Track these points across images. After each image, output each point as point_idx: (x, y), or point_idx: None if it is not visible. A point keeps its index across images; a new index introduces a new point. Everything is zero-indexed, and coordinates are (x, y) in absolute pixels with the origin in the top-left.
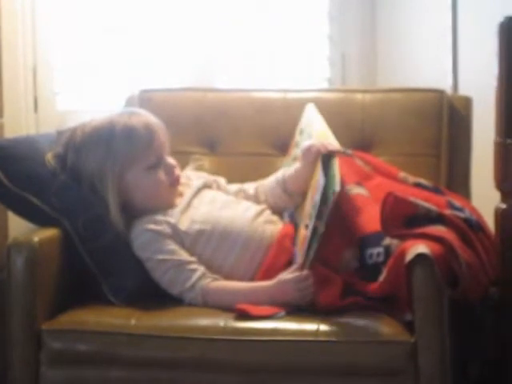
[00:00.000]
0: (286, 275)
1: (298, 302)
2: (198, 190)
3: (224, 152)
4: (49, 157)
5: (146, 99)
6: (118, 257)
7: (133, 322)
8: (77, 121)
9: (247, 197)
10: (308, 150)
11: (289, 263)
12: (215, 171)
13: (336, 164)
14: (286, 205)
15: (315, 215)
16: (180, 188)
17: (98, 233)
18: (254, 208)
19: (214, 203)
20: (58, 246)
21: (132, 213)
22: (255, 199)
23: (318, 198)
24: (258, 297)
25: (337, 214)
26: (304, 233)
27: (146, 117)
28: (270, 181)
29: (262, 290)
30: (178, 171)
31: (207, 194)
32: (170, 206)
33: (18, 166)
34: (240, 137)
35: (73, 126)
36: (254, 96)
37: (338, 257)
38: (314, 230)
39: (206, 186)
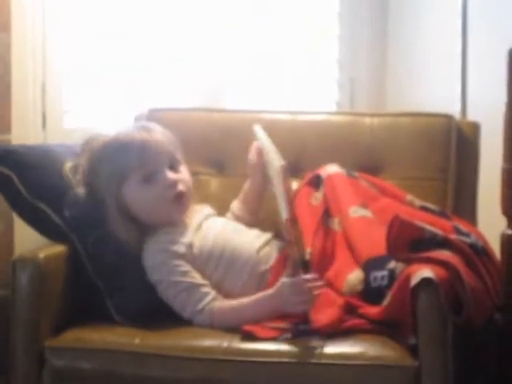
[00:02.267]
0: (284, 280)
1: (299, 308)
2: (207, 216)
3: (231, 173)
4: (67, 168)
5: (154, 118)
6: (124, 276)
7: (137, 340)
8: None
9: None
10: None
11: None
12: (223, 192)
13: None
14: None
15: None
16: (189, 206)
17: (107, 251)
18: (263, 236)
19: (225, 227)
20: (64, 262)
21: (143, 225)
22: None
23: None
24: (263, 308)
25: (342, 234)
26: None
27: (152, 131)
28: (229, 216)
29: (263, 300)
30: (181, 186)
31: (217, 219)
32: (177, 222)
33: (33, 174)
34: (248, 158)
35: (88, 137)
36: (262, 117)
37: (343, 279)
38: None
39: (213, 214)
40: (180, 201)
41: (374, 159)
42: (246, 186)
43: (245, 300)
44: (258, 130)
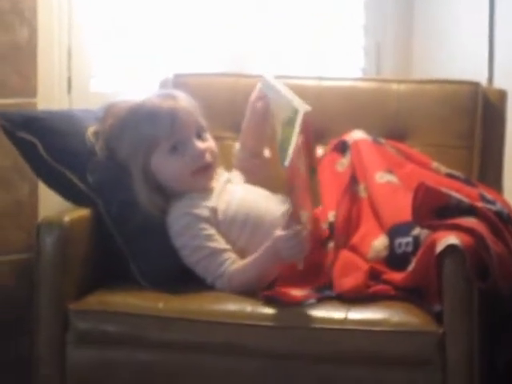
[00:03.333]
0: (278, 232)
1: (293, 259)
2: (230, 181)
3: None
4: (90, 133)
5: (179, 83)
6: (149, 239)
7: (160, 305)
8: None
9: None
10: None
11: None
12: None
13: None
14: (266, 169)
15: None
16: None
17: (132, 215)
18: (284, 201)
19: (249, 192)
20: (88, 225)
21: (169, 193)
22: None
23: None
24: (266, 261)
25: (368, 201)
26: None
27: (178, 99)
28: (234, 162)
29: (264, 253)
30: (208, 156)
31: (241, 185)
32: (204, 189)
33: (57, 140)
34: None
35: (111, 103)
36: (287, 83)
37: (368, 245)
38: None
39: (236, 179)
40: (207, 170)
41: (400, 126)
42: (244, 125)
43: (252, 257)
44: (268, 76)
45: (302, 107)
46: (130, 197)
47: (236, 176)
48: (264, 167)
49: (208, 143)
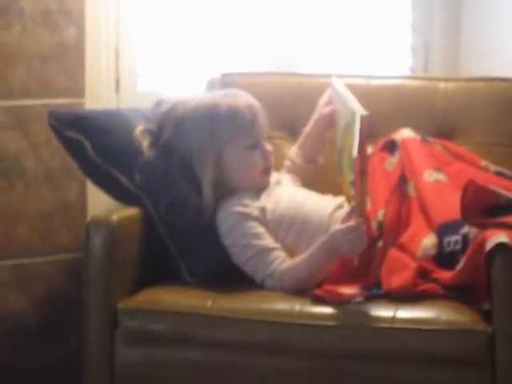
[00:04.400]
0: (337, 226)
1: (352, 253)
2: (279, 182)
3: None
4: (138, 132)
5: (227, 82)
6: (198, 239)
7: (209, 303)
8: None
9: None
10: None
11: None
12: None
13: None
14: (318, 175)
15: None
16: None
17: (181, 215)
18: (334, 201)
19: (297, 193)
20: (137, 225)
21: (221, 193)
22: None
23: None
24: (321, 256)
25: (417, 199)
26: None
27: (250, 99)
28: (288, 164)
29: (319, 248)
30: (272, 160)
31: (289, 186)
32: (263, 188)
33: (105, 139)
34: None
35: (171, 102)
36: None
37: (417, 243)
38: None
39: (285, 180)
40: (268, 172)
41: (448, 124)
42: (307, 129)
43: (304, 255)
44: (336, 81)
45: (360, 111)
46: (179, 197)
47: (286, 178)
48: (316, 173)
49: (270, 147)
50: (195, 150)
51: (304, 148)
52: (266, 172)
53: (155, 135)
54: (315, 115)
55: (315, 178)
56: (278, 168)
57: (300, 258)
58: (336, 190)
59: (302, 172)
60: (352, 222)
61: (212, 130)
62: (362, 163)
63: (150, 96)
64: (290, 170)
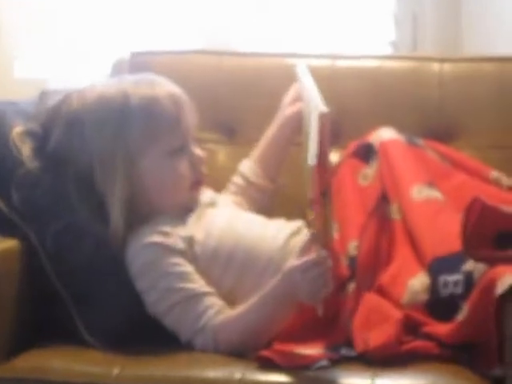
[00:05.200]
0: (293, 261)
1: (313, 298)
2: (212, 202)
3: (246, 140)
4: (15, 135)
5: (139, 65)
6: (98, 282)
7: (115, 371)
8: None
9: None
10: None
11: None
12: (233, 165)
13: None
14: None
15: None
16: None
17: (76, 248)
18: (288, 226)
19: (235, 218)
20: (16, 263)
21: (133, 217)
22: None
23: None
24: (272, 304)
25: (402, 225)
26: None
27: (172, 87)
28: (239, 183)
29: (270, 295)
30: (205, 168)
31: (224, 207)
32: (185, 213)
33: None
34: (268, 120)
35: (62, 93)
36: (289, 63)
37: (402, 286)
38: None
39: (216, 200)
40: (198, 187)
41: (445, 121)
42: (268, 135)
43: (248, 304)
44: (301, 69)
45: (319, 107)
46: (74, 223)
47: (224, 199)
48: (273, 197)
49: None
50: (97, 159)
51: (263, 162)
52: (196, 186)
53: (40, 139)
54: (279, 117)
55: (271, 203)
56: (215, 186)
57: (243, 307)
58: (291, 212)
59: (259, 195)
60: (313, 255)
61: (120, 130)
62: (323, 175)
63: (31, 84)
64: (240, 193)
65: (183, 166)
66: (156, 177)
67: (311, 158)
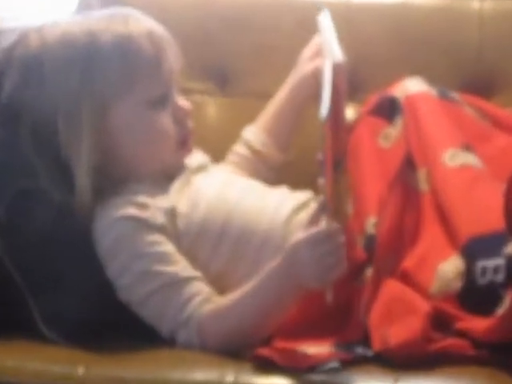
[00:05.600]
0: (296, 236)
1: (322, 281)
2: (199, 167)
3: (241, 90)
4: None
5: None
6: (61, 261)
7: (80, 371)
8: None
9: None
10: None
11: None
12: (225, 120)
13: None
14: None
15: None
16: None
17: (31, 218)
18: (294, 197)
19: (228, 185)
20: None
21: (103, 184)
22: None
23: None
24: (272, 292)
25: (431, 198)
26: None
27: (151, 24)
28: (241, 153)
29: (269, 278)
30: (191, 122)
31: (215, 172)
32: (166, 179)
33: None
34: (269, 66)
35: (17, 32)
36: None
37: (431, 271)
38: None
39: (206, 163)
40: (186, 145)
41: (485, 70)
42: (279, 101)
43: (244, 287)
44: (324, 15)
45: (335, 56)
46: (30, 188)
47: (218, 166)
48: (280, 171)
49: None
50: (59, 110)
51: (274, 128)
52: (183, 146)
53: None
54: (294, 75)
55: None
56: (203, 147)
57: (235, 294)
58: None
59: (264, 168)
60: (322, 227)
61: (86, 75)
62: (337, 137)
63: None
64: (243, 164)
65: (165, 120)
66: (131, 133)
67: (323, 111)
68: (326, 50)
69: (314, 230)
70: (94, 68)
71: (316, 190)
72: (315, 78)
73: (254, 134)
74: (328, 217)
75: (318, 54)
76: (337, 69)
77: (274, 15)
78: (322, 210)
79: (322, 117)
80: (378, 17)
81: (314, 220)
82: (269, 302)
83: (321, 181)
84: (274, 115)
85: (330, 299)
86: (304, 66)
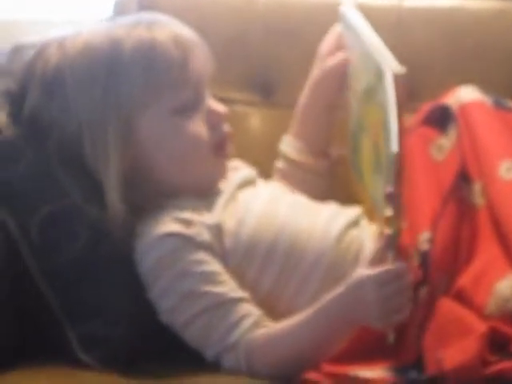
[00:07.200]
0: (362, 271)
1: (387, 322)
2: (245, 181)
3: (286, 102)
4: None
5: (150, 3)
6: (98, 284)
7: None
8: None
9: None
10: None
11: None
12: (270, 132)
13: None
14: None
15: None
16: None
17: (66, 240)
18: (344, 214)
19: (277, 201)
20: None
21: (137, 198)
22: None
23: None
24: (327, 325)
25: (488, 212)
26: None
27: (179, 29)
28: (277, 166)
29: (328, 310)
30: (228, 126)
31: (262, 186)
32: (210, 186)
33: None
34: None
35: (39, 44)
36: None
37: (487, 290)
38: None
39: (253, 178)
40: (224, 148)
41: None
42: (303, 103)
43: (298, 316)
44: (348, 9)
45: (391, 65)
46: (65, 207)
47: (266, 181)
48: (330, 173)
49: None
50: (84, 125)
51: (305, 133)
52: (220, 149)
53: (16, 101)
54: (315, 73)
55: (329, 182)
56: (246, 160)
57: (290, 321)
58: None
59: (309, 177)
60: (391, 265)
61: (110, 85)
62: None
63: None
64: (288, 178)
65: (197, 126)
66: (161, 142)
67: (393, 145)
68: (361, 49)
69: (382, 268)
70: (117, 77)
71: (358, 200)
72: (339, 73)
73: (287, 143)
74: (395, 253)
75: (339, 47)
76: (398, 80)
77: (321, 24)
78: (389, 245)
79: (392, 151)
80: (431, 22)
81: (380, 255)
82: (325, 333)
83: (388, 213)
84: (302, 118)
85: (391, 340)
86: (325, 61)
